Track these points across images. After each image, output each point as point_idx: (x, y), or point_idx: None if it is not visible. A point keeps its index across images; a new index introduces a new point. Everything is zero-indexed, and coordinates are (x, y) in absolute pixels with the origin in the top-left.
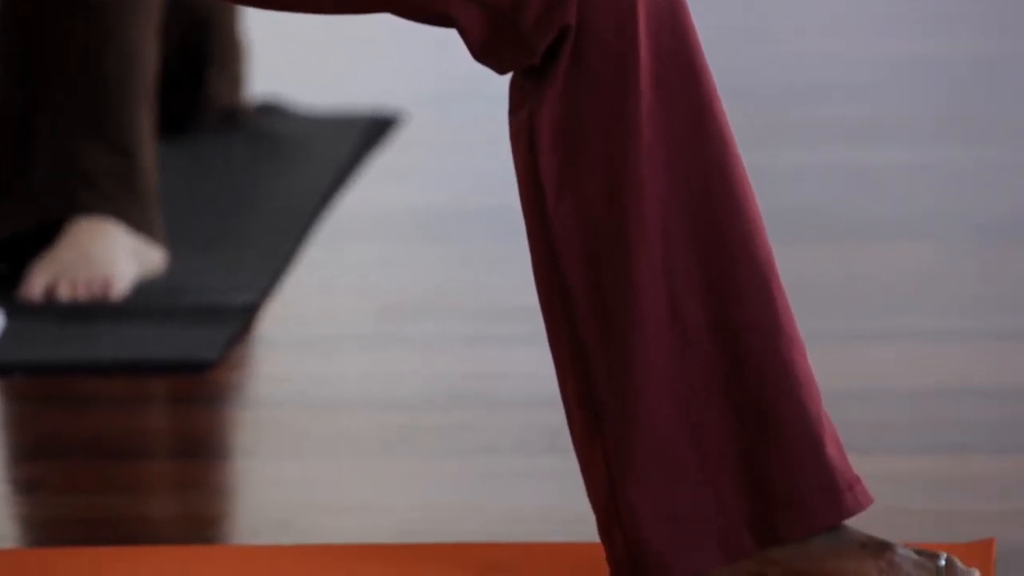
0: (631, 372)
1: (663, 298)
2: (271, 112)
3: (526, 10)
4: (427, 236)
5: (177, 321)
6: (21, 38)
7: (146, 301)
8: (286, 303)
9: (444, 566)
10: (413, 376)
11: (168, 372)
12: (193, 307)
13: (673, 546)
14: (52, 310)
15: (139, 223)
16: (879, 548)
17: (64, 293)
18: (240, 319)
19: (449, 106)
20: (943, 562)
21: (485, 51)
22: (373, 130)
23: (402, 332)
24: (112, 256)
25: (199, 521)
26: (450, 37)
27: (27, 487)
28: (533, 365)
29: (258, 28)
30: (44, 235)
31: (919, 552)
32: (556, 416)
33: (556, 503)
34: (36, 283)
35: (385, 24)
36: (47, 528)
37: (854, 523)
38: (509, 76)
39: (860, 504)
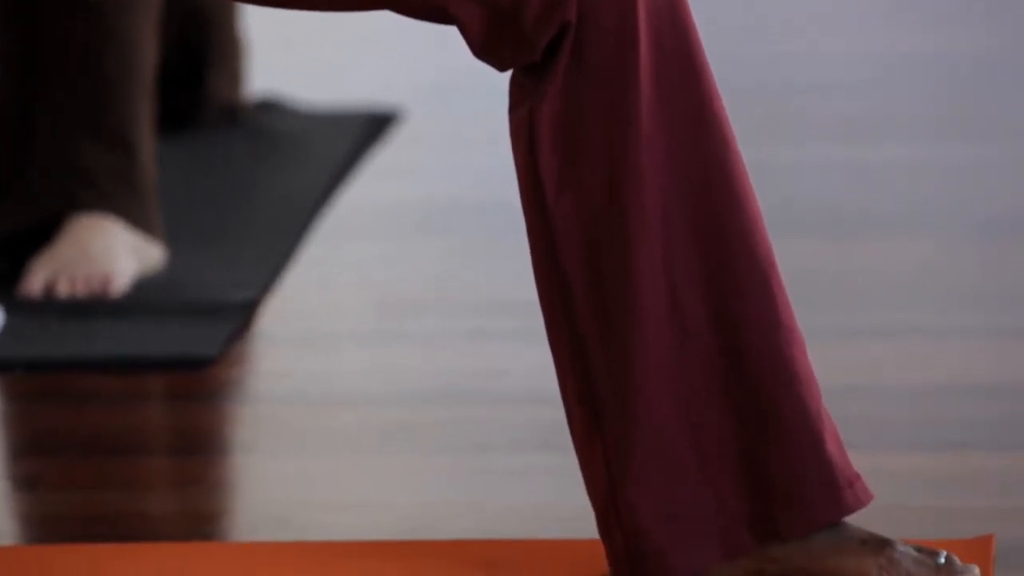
0: (631, 369)
1: (663, 294)
2: (270, 109)
3: (526, 8)
4: (427, 232)
5: (176, 317)
6: (21, 38)
7: (145, 298)
8: (286, 299)
9: (443, 563)
10: (413, 372)
11: (167, 368)
12: (192, 303)
13: (673, 544)
14: (51, 307)
15: (138, 220)
16: (879, 545)
17: (63, 290)
18: (240, 315)
19: (448, 102)
20: (943, 559)
21: (485, 49)
22: (372, 126)
23: (402, 328)
24: (111, 253)
25: (198, 518)
26: (449, 33)
27: (25, 484)
28: (533, 361)
29: (257, 25)
30: (44, 232)
31: (919, 549)
32: (555, 413)
33: (554, 500)
34: (35, 280)
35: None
36: (45, 525)
37: (854, 520)
38: (509, 72)
39: (860, 501)
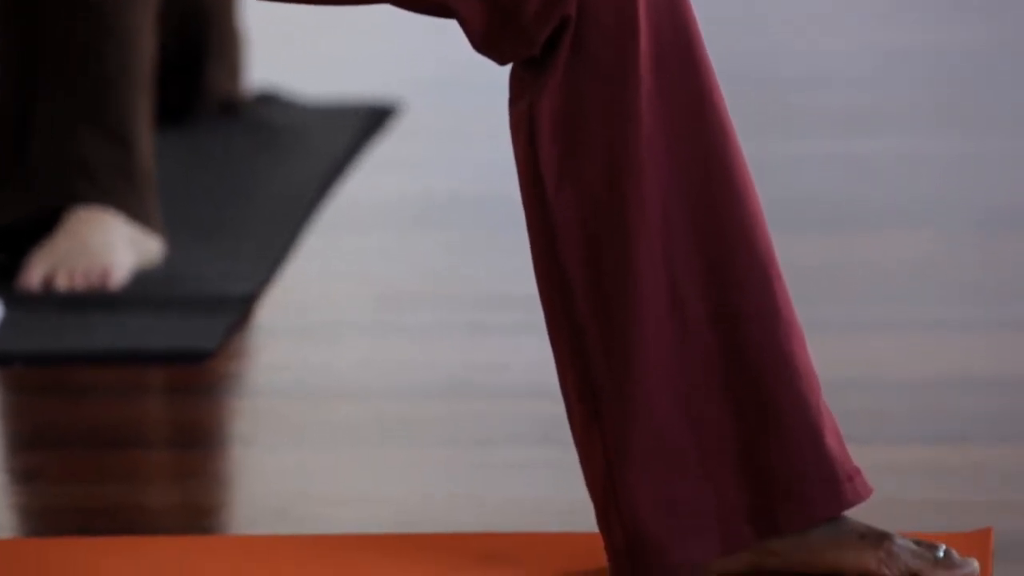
0: (631, 361)
1: (663, 286)
2: (269, 102)
3: (526, 2)
4: (426, 225)
5: (175, 310)
6: (21, 38)
7: (144, 291)
8: (285, 292)
9: (441, 556)
10: (412, 366)
11: (166, 361)
12: (191, 296)
13: (672, 535)
14: (50, 300)
15: (137, 213)
16: (878, 539)
17: (62, 283)
18: (238, 308)
19: (448, 95)
20: (941, 552)
21: (486, 43)
22: (371, 119)
23: (401, 321)
24: (110, 246)
25: (197, 511)
26: (448, 26)
27: (25, 477)
28: (532, 355)
29: (256, 18)
30: (42, 225)
31: (918, 542)
32: (555, 407)
33: (554, 494)
34: (34, 273)
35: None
36: (45, 518)
37: (854, 513)
38: (508, 66)
39: (860, 495)
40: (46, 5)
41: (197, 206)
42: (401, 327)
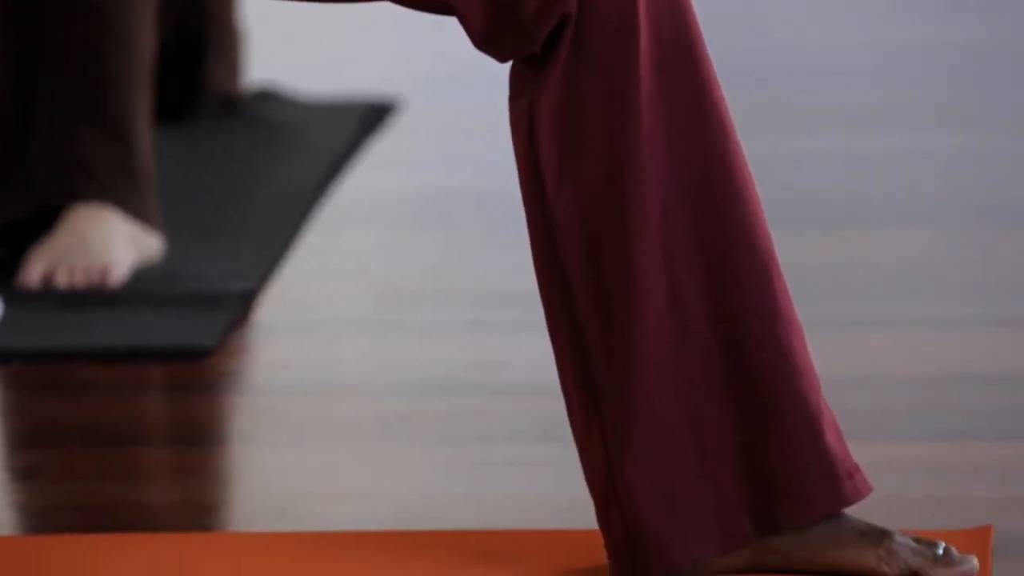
0: (630, 359)
1: (663, 284)
2: (269, 99)
3: (527, 0)
4: (426, 223)
5: (175, 308)
6: (21, 38)
7: (144, 288)
8: (284, 289)
9: (441, 553)
10: (412, 363)
11: (166, 359)
12: (191, 294)
13: (672, 533)
14: (50, 297)
15: (137, 210)
16: (878, 536)
17: (62, 280)
18: (238, 306)
19: (447, 92)
20: (941, 550)
21: (486, 40)
22: (371, 116)
23: (400, 319)
24: (110, 243)
25: (197, 508)
26: (448, 22)
27: (25, 474)
28: (532, 353)
29: (255, 15)
30: (42, 222)
31: (917, 540)
32: (555, 404)
33: (554, 491)
34: (34, 270)
35: (383, 10)
36: (45, 515)
37: (854, 510)
38: (508, 63)
39: (860, 493)
40: (46, 5)
41: (197, 203)
42: (401, 324)
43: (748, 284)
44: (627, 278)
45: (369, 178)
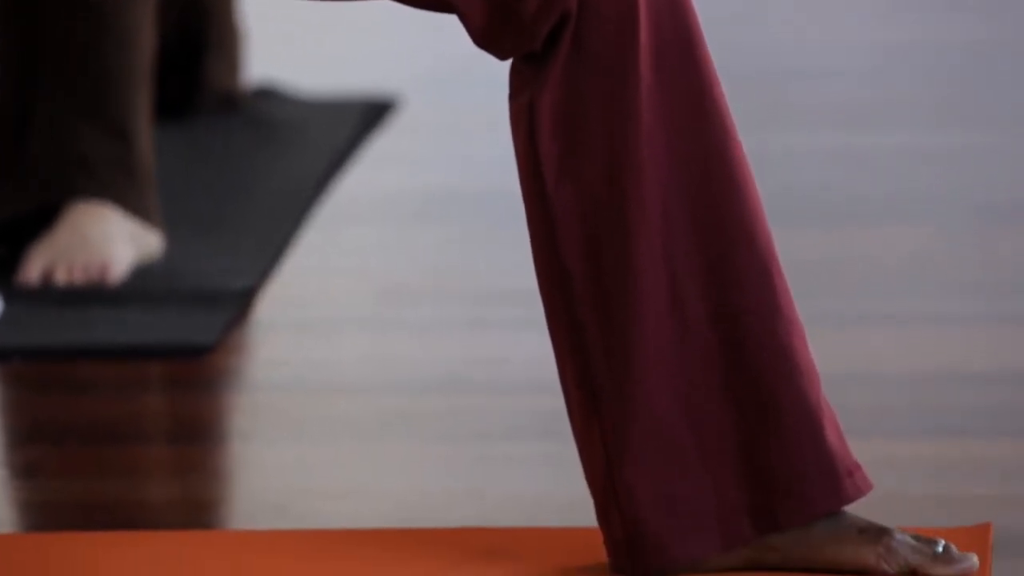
0: (630, 359)
1: (663, 282)
2: (268, 96)
3: None
4: (425, 220)
5: (174, 305)
6: (21, 38)
7: (143, 285)
8: (284, 287)
9: (441, 551)
10: (412, 360)
11: (165, 356)
12: (190, 291)
13: (671, 531)
14: (49, 294)
15: (136, 207)
16: (877, 534)
17: (61, 277)
18: (237, 303)
19: (447, 89)
20: (940, 547)
21: (486, 38)
22: (370, 114)
23: (400, 316)
24: (109, 240)
25: (196, 506)
26: (448, 20)
27: (25, 472)
28: (532, 350)
29: (255, 14)
30: (42, 219)
31: (917, 537)
32: (555, 401)
33: (554, 489)
34: (34, 267)
35: (382, 8)
36: (44, 512)
37: (853, 508)
38: (508, 60)
39: (860, 490)
40: (46, 5)
41: (196, 201)
42: (400, 322)
43: (748, 283)
44: (627, 278)
45: (369, 175)
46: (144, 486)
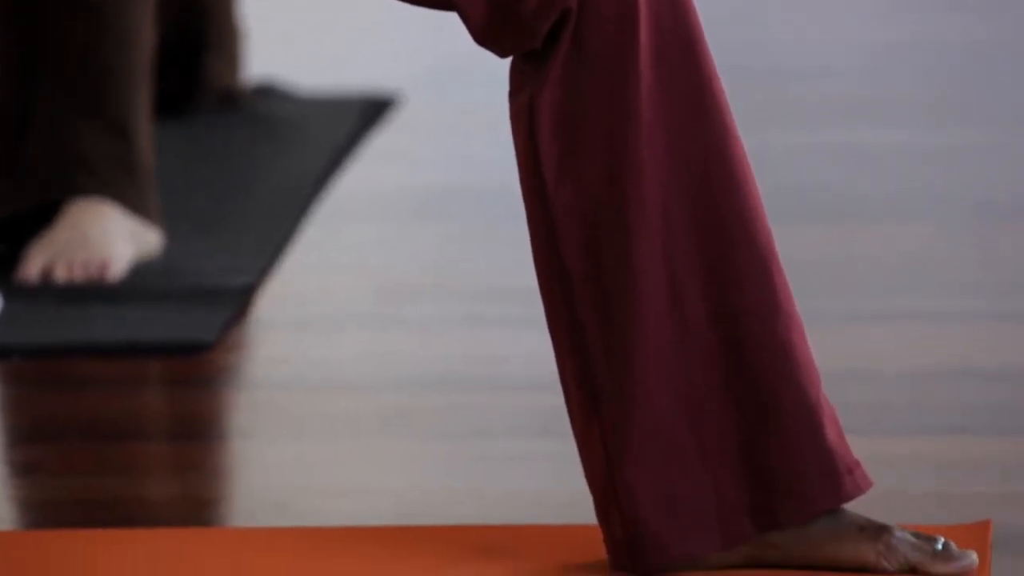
0: (630, 355)
1: (663, 282)
2: (268, 94)
3: None
4: (425, 218)
5: (174, 303)
6: (21, 38)
7: (143, 283)
8: (283, 284)
9: (441, 548)
10: (411, 358)
11: (165, 354)
12: (190, 289)
13: (671, 528)
14: (49, 292)
15: (136, 205)
16: (877, 531)
17: (61, 275)
18: (237, 301)
19: (446, 87)
20: (940, 545)
21: (487, 35)
22: (370, 111)
23: (400, 313)
24: (109, 238)
25: (196, 503)
26: (447, 17)
27: (24, 469)
28: (531, 347)
29: (255, 13)
30: (42, 217)
31: (916, 535)
32: (554, 399)
33: (553, 486)
34: (33, 265)
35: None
36: (44, 510)
37: (853, 505)
38: (508, 58)
39: (859, 488)
40: (46, 4)
41: (196, 198)
42: (400, 319)
43: (748, 281)
44: (627, 277)
45: (369, 173)
46: (144, 483)
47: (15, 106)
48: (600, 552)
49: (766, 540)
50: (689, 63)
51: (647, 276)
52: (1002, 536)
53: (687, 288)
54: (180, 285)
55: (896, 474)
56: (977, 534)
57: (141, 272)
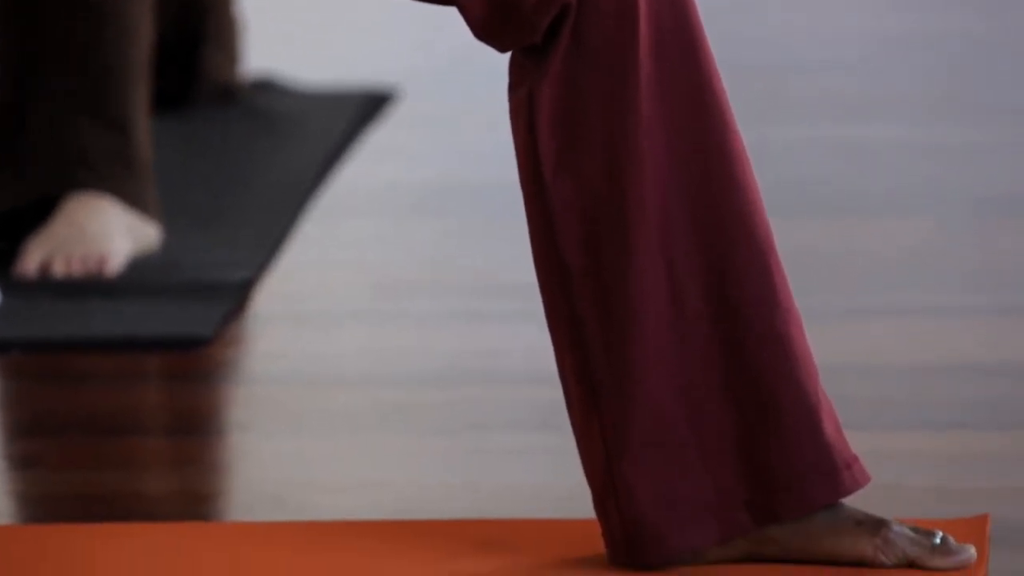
0: (629, 351)
1: (662, 276)
2: (267, 89)
3: None
4: (423, 213)
5: (172, 298)
6: (21, 37)
7: (141, 278)
8: (282, 279)
9: (439, 542)
10: (410, 353)
11: (163, 349)
12: (188, 283)
13: (669, 521)
14: (47, 286)
15: (134, 200)
16: (875, 525)
17: (59, 270)
18: (235, 295)
19: (445, 82)
20: (938, 539)
21: (486, 30)
22: (369, 106)
23: (398, 308)
24: (107, 232)
25: (194, 498)
26: (447, 12)
27: (23, 464)
28: (530, 342)
29: (253, 5)
30: (40, 211)
31: (915, 529)
32: (552, 393)
33: (552, 480)
34: (31, 259)
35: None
36: (43, 504)
37: (852, 499)
38: (508, 53)
39: (858, 483)
40: (46, 3)
41: (194, 193)
42: (398, 314)
43: (748, 277)
44: (627, 275)
45: (367, 168)
46: (142, 478)
47: (14, 100)
48: (599, 546)
49: (764, 534)
50: (689, 60)
51: (646, 271)
52: (1000, 530)
53: (686, 283)
54: (178, 280)
55: (894, 468)
56: (975, 528)
57: (139, 267)
